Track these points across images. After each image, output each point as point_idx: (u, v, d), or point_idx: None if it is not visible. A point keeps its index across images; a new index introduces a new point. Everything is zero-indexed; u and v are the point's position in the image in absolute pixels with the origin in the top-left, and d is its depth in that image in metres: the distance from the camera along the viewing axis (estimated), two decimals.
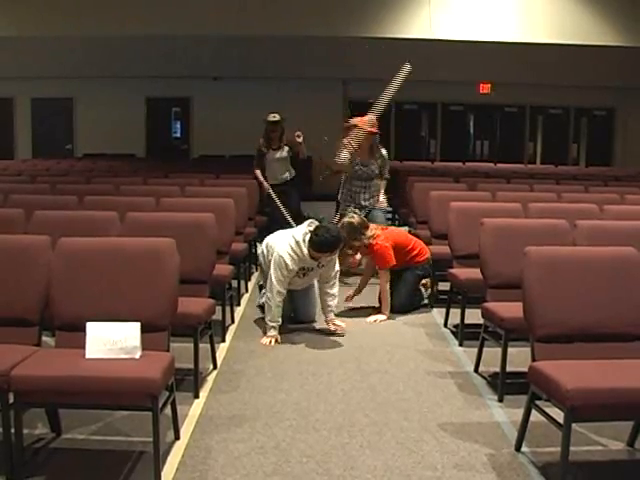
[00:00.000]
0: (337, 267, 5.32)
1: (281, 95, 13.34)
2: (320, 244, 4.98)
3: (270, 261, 5.15)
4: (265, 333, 5.11)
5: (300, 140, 7.86)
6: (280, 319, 5.07)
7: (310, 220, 5.27)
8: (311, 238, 5.01)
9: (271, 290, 5.04)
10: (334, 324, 5.29)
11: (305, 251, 5.03)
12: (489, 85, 15.58)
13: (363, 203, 6.85)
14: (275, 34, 12.00)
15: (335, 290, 5.31)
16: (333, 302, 5.31)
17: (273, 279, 5.04)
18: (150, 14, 11.74)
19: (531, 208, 5.70)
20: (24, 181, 8.01)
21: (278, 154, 8.13)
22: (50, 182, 7.37)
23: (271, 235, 5.60)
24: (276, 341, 4.98)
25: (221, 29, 11.89)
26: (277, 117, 8.00)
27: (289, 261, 5.02)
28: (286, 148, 8.14)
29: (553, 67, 13.63)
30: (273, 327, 5.03)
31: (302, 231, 5.12)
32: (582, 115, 16.72)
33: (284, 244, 5.09)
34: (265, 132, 8.10)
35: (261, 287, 5.81)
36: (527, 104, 16.41)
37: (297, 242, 5.05)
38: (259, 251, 5.71)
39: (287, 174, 8.24)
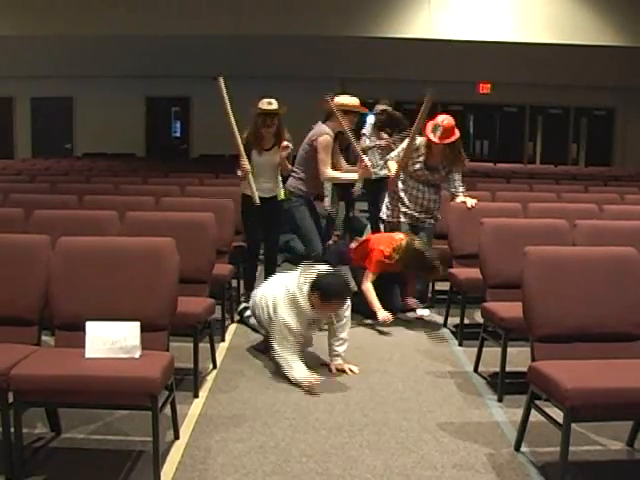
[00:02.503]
0: (348, 302, 4.51)
1: (280, 94, 13.30)
2: (331, 295, 4.19)
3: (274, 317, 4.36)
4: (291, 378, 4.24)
5: (285, 154, 5.54)
6: (304, 368, 4.22)
7: (302, 267, 4.41)
8: (318, 289, 4.17)
9: (280, 357, 4.25)
10: (342, 369, 4.46)
11: (305, 304, 4.23)
12: (489, 85, 15.58)
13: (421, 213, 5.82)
14: (275, 34, 12.00)
15: (345, 334, 4.50)
16: (342, 348, 4.50)
17: (278, 349, 4.25)
18: (150, 14, 11.74)
19: (531, 208, 5.71)
20: (24, 180, 8.01)
21: (268, 157, 5.64)
22: (50, 181, 7.37)
23: (265, 285, 4.74)
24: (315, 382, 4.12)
25: (221, 29, 11.89)
26: (274, 104, 5.55)
27: (293, 324, 4.22)
28: (278, 152, 5.61)
29: (553, 67, 13.63)
30: (302, 378, 4.16)
31: (297, 282, 4.29)
32: (582, 115, 16.72)
33: (282, 305, 4.28)
34: (254, 125, 5.58)
35: (244, 308, 5.28)
36: (527, 104, 16.41)
37: (293, 298, 4.25)
38: (251, 303, 4.80)
39: (275, 188, 5.75)
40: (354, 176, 5.74)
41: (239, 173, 5.53)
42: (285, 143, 5.52)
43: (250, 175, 5.47)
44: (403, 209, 5.86)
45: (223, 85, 5.47)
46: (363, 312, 5.53)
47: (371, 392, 4.12)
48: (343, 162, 5.89)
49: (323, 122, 5.64)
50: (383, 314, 5.26)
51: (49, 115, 16.11)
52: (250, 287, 5.86)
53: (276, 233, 5.87)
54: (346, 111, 5.53)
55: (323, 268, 4.38)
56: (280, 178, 5.81)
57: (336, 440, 3.45)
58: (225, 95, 5.48)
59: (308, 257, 5.27)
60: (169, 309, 3.43)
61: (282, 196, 5.61)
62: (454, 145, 5.55)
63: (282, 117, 5.60)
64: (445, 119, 5.53)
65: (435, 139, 5.49)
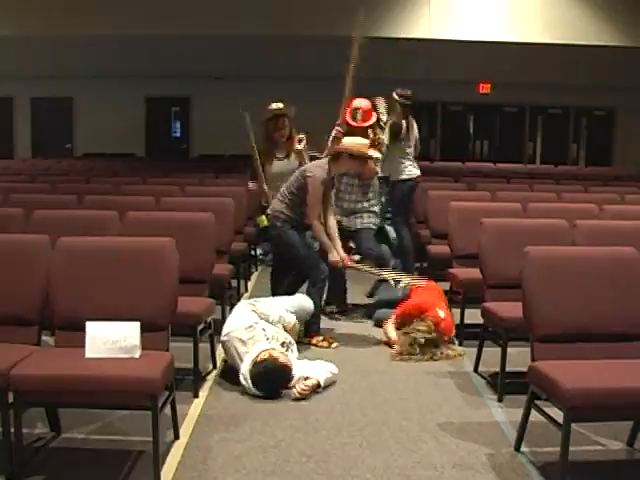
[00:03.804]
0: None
1: (281, 95, 13.32)
2: (262, 388, 3.98)
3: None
4: None
5: (300, 147, 5.59)
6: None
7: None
8: (252, 381, 4.00)
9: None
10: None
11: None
12: (489, 85, 15.58)
13: (352, 206, 5.66)
14: (275, 34, 12.00)
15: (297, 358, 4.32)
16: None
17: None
18: (150, 14, 11.73)
19: (531, 208, 5.71)
20: (24, 180, 8.03)
21: (283, 165, 5.65)
22: (50, 181, 7.39)
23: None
24: None
25: (221, 29, 11.89)
26: (282, 106, 5.66)
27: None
28: (293, 157, 5.68)
29: (553, 67, 13.63)
30: None
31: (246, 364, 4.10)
32: (582, 115, 16.72)
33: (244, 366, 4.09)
34: (266, 132, 5.68)
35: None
36: (527, 104, 16.41)
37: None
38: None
39: None
40: (332, 252, 5.09)
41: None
42: (300, 136, 5.59)
43: (265, 187, 5.64)
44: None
45: (249, 120, 5.58)
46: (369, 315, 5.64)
47: (371, 392, 4.11)
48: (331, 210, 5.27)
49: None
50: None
51: (49, 115, 16.11)
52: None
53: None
54: (352, 155, 5.08)
55: (257, 355, 4.04)
56: None
57: (336, 440, 3.45)
58: (250, 129, 5.59)
59: (317, 281, 5.03)
60: (169, 309, 3.43)
61: (265, 223, 5.27)
62: (373, 128, 5.55)
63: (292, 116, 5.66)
64: (362, 102, 5.50)
65: (356, 123, 5.44)
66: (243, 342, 4.16)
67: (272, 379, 3.97)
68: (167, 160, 13.12)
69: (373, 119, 5.53)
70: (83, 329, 3.15)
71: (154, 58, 13.78)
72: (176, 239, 3.60)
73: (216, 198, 5.81)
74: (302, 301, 4.86)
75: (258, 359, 4.01)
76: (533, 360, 3.29)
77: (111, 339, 3.12)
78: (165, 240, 3.57)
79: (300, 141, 5.61)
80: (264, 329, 4.25)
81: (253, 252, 7.64)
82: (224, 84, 14.98)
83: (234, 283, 6.00)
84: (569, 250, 3.92)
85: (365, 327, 5.50)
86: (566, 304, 3.38)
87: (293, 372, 4.04)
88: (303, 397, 3.95)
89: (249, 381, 4.00)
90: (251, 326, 4.22)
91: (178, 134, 16.75)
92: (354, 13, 10.20)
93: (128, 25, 11.77)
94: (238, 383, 4.19)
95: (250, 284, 6.98)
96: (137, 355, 3.12)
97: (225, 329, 4.30)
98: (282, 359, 4.03)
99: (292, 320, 4.54)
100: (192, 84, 15.32)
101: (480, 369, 4.49)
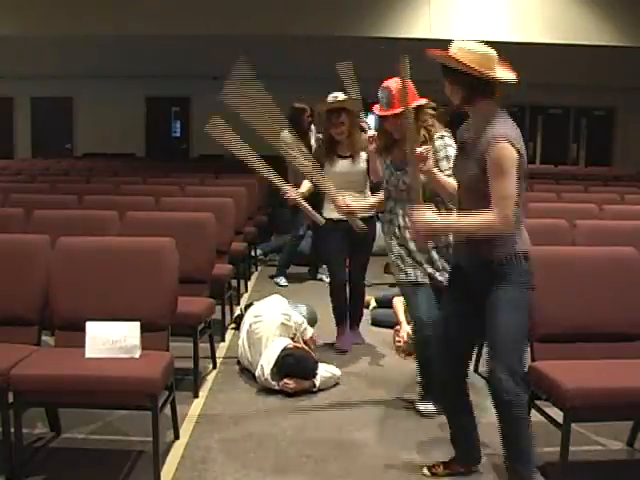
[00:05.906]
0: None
1: (280, 95, 13.29)
2: (290, 375, 4.05)
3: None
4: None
5: (371, 148, 4.33)
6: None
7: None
8: (279, 371, 4.07)
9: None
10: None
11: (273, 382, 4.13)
12: None
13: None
14: (275, 34, 12.00)
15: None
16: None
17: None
18: (150, 14, 11.72)
19: (531, 208, 5.69)
20: (24, 180, 8.01)
21: (346, 165, 4.79)
22: (50, 181, 7.37)
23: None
24: None
25: (221, 29, 11.88)
26: (339, 97, 4.76)
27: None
28: (363, 156, 4.74)
29: (553, 67, 13.62)
30: None
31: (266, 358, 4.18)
32: (582, 115, 16.72)
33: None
34: (324, 129, 4.88)
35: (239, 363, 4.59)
36: (527, 104, 16.40)
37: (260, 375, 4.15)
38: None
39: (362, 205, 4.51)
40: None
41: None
42: (370, 133, 4.35)
43: (302, 201, 4.50)
44: (401, 263, 3.82)
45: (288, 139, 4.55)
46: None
47: (371, 392, 4.12)
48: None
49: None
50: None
51: (49, 115, 16.10)
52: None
53: (358, 263, 4.93)
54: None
55: (282, 345, 4.18)
56: (369, 193, 4.72)
57: (336, 440, 3.45)
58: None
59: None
60: (169, 309, 3.43)
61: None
62: (419, 112, 3.82)
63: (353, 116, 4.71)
64: (393, 81, 3.83)
65: (380, 111, 3.86)
66: (277, 334, 4.29)
67: (299, 365, 4.04)
68: (167, 160, 13.10)
69: (414, 103, 3.81)
70: (83, 329, 3.15)
71: (154, 58, 13.77)
72: (176, 239, 3.60)
73: (216, 198, 5.81)
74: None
75: (290, 346, 4.16)
76: (533, 360, 3.29)
77: (111, 339, 3.12)
78: (165, 240, 3.57)
79: (371, 141, 4.31)
80: (295, 334, 4.45)
81: (253, 252, 7.64)
82: (224, 84, 15.00)
83: (234, 283, 6.00)
84: (569, 250, 3.91)
85: (364, 327, 5.50)
86: (566, 304, 3.37)
87: (317, 371, 4.13)
88: (288, 392, 4.02)
89: (271, 365, 4.05)
90: (287, 325, 4.41)
91: (178, 134, 16.73)
92: (353, 14, 10.06)
93: (128, 25, 11.77)
94: (238, 383, 4.21)
95: (250, 284, 6.99)
96: (137, 355, 3.13)
97: (259, 314, 4.41)
98: (312, 355, 4.26)
99: (309, 333, 4.65)
100: (192, 84, 15.30)
101: (480, 369, 4.48)
